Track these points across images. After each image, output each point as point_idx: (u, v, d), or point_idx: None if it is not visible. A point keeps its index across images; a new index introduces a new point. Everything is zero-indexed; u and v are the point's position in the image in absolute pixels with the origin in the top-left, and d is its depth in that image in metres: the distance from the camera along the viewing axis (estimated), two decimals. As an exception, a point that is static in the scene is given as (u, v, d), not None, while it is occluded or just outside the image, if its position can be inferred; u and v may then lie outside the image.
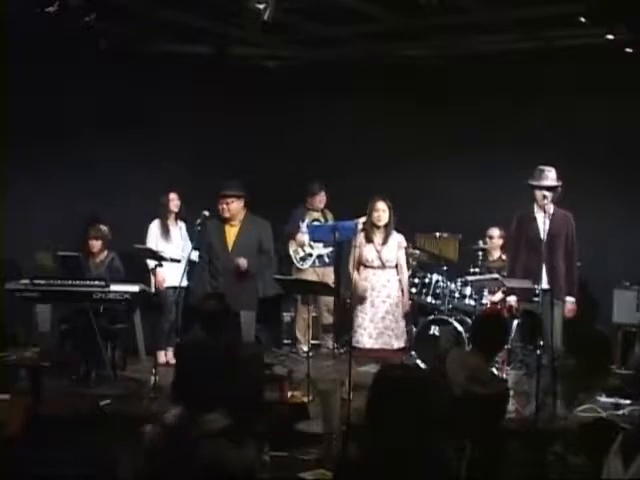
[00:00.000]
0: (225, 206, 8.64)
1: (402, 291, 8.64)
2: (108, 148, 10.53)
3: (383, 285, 8.42)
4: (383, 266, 8.40)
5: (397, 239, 8.57)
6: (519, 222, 8.20)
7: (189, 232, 9.91)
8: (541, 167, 8.02)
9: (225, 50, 11.02)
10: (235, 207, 8.65)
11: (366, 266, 8.44)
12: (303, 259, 10.82)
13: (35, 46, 9.31)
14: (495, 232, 10.07)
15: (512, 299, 8.35)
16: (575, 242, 8.11)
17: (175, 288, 9.28)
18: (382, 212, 8.37)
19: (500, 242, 10.03)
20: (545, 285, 7.96)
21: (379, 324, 8.38)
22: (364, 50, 11.40)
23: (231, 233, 8.75)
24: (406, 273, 8.76)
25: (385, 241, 8.42)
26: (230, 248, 8.71)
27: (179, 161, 11.10)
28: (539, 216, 8.04)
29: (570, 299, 8.03)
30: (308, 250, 10.79)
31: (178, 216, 10.13)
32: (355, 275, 8.54)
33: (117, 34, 9.75)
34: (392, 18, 9.92)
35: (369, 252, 8.39)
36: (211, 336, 5.96)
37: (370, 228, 8.40)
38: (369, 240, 8.43)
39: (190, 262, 8.86)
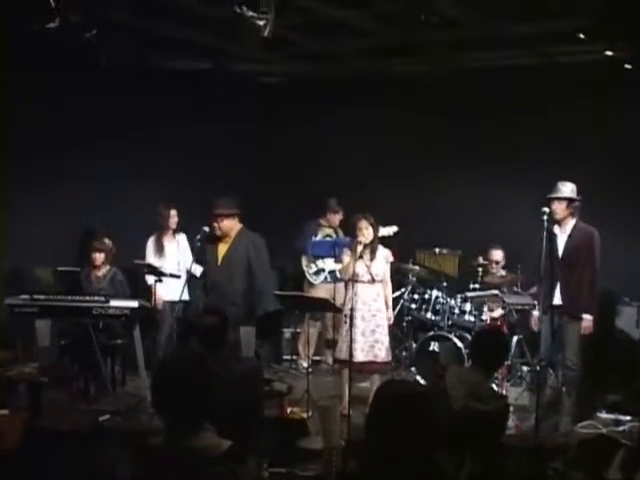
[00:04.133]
0: (217, 224, 8.58)
1: (386, 305, 8.72)
2: (108, 163, 10.55)
3: (373, 299, 8.48)
4: (372, 280, 8.47)
5: (384, 253, 8.66)
6: (542, 239, 8.14)
7: (190, 245, 9.92)
8: (558, 182, 8.04)
9: (225, 66, 11.05)
10: (226, 225, 8.55)
11: (357, 281, 8.49)
12: (316, 274, 10.81)
13: (36, 61, 9.33)
14: (499, 255, 10.07)
15: (535, 313, 8.33)
16: (597, 258, 8.03)
17: (173, 302, 9.30)
18: (365, 229, 8.44)
19: (503, 263, 10.05)
20: (557, 301, 7.98)
21: (370, 337, 8.42)
22: (364, 65, 11.43)
23: (222, 249, 8.65)
24: (390, 287, 8.82)
25: (373, 256, 8.49)
26: (219, 264, 8.63)
27: (180, 176, 11.12)
28: (558, 231, 8.05)
29: (587, 317, 7.99)
30: (320, 265, 10.78)
31: (176, 231, 10.13)
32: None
33: (117, 50, 9.78)
34: (391, 33, 9.96)
35: (359, 267, 8.45)
36: (207, 351, 5.93)
37: (357, 245, 8.47)
38: (358, 256, 8.48)
39: (191, 276, 8.88)
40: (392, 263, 8.85)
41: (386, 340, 8.56)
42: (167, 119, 11.28)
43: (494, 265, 10.13)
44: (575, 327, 8.00)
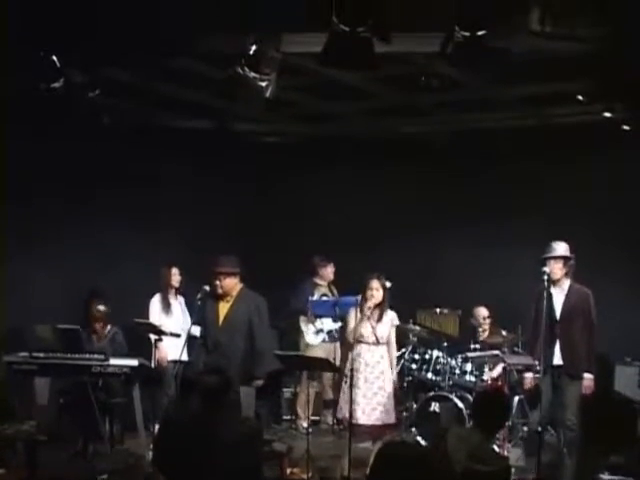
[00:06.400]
0: (218, 282, 8.53)
1: (391, 366, 8.69)
2: (109, 221, 10.59)
3: (377, 361, 8.46)
4: (377, 342, 8.46)
5: (390, 316, 8.66)
6: (536, 298, 8.21)
7: (188, 306, 9.94)
8: (552, 242, 8.12)
9: (226, 125, 11.14)
10: (228, 283, 8.51)
11: (361, 342, 8.47)
12: (315, 334, 10.79)
13: (37, 121, 9.40)
14: (484, 311, 10.14)
15: (529, 375, 8.35)
16: (593, 318, 8.12)
17: (175, 362, 9.29)
18: (375, 291, 8.46)
19: (489, 321, 10.10)
20: (558, 361, 7.99)
21: (372, 400, 8.38)
22: (364, 126, 11.53)
23: (223, 308, 8.57)
24: (395, 350, 8.81)
25: (380, 318, 8.49)
26: (220, 323, 8.58)
27: (180, 234, 11.16)
28: (554, 291, 8.10)
29: (588, 376, 8.02)
30: (319, 325, 10.76)
31: (178, 291, 10.16)
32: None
33: (121, 109, 9.86)
34: (392, 95, 10.07)
35: (364, 328, 8.43)
36: (209, 411, 5.90)
37: (365, 305, 8.45)
38: (364, 317, 8.47)
39: (189, 336, 8.85)
40: (397, 326, 8.82)
41: (390, 403, 8.51)
42: (168, 179, 11.36)
43: (482, 320, 10.16)
44: (575, 387, 8.02)
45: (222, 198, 11.67)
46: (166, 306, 10.06)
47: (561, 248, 8.13)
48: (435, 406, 9.58)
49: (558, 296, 8.12)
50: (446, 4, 6.38)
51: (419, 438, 9.51)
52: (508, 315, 10.05)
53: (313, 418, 9.69)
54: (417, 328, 10.34)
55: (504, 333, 9.93)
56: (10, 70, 7.78)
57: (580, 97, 8.93)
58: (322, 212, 11.95)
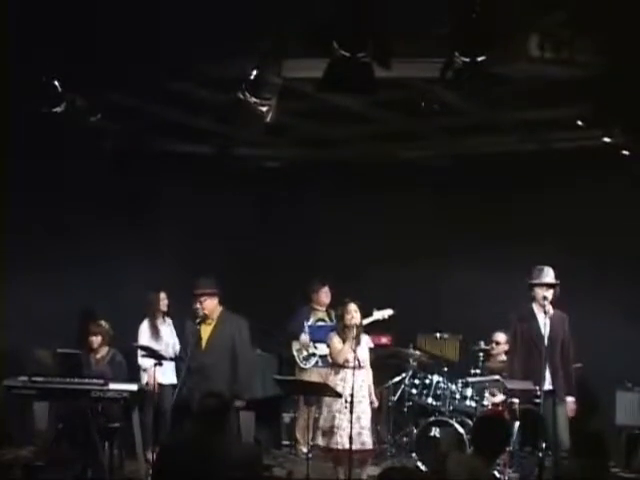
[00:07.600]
0: (199, 305, 8.53)
1: (369, 390, 8.68)
2: (108, 244, 10.59)
3: (360, 385, 8.44)
4: (359, 366, 8.44)
5: (365, 339, 8.70)
6: (519, 322, 8.29)
7: (177, 329, 10.02)
8: (539, 266, 8.20)
9: (228, 150, 11.16)
10: (209, 304, 8.51)
11: (344, 367, 8.47)
12: (306, 359, 10.75)
13: (36, 144, 9.43)
14: (502, 337, 10.10)
15: (514, 401, 8.37)
16: (570, 343, 8.30)
17: (163, 386, 9.31)
18: (354, 313, 8.48)
19: (506, 347, 10.08)
20: (548, 386, 8.01)
21: (356, 424, 8.32)
22: (365, 151, 11.55)
23: (206, 332, 8.62)
24: (371, 373, 8.78)
25: (358, 341, 8.49)
26: (203, 347, 8.58)
27: (179, 259, 11.15)
28: (540, 316, 8.16)
29: (570, 399, 8.18)
30: (311, 350, 10.73)
31: (166, 314, 10.17)
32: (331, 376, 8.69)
33: (121, 133, 9.89)
34: (392, 120, 10.10)
35: (347, 353, 8.43)
36: (207, 435, 5.87)
37: (344, 330, 8.47)
38: (345, 341, 8.48)
39: (177, 360, 8.88)
40: (381, 348, 8.83)
41: (371, 427, 8.54)
42: (168, 203, 11.36)
43: (494, 345, 10.12)
44: (562, 410, 8.14)
45: (222, 222, 11.66)
46: (155, 331, 10.07)
47: (552, 274, 8.24)
48: (435, 431, 9.55)
49: (545, 322, 8.18)
50: (446, 30, 6.41)
51: (419, 463, 9.47)
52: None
53: (313, 443, 9.64)
54: (417, 353, 10.33)
55: (504, 358, 9.90)
56: (12, 95, 7.81)
57: (579, 122, 8.97)
58: (322, 237, 11.95)
